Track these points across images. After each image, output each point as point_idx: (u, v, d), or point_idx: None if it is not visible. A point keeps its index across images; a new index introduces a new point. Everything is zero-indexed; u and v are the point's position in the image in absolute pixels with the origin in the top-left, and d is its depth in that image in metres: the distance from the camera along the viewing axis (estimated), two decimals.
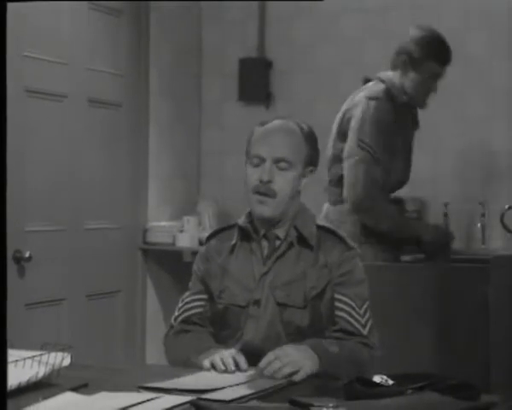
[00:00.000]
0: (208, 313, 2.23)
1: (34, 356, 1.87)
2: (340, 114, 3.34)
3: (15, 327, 3.16)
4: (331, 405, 1.62)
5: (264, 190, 2.15)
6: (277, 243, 2.20)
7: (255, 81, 4.81)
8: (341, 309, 2.13)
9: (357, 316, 2.13)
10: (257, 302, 2.15)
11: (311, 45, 4.74)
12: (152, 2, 4.55)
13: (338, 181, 3.29)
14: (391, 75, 3.29)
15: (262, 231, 2.20)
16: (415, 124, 3.45)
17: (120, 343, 4.35)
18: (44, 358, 1.87)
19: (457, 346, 3.31)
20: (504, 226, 4.11)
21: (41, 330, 3.63)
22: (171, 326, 2.27)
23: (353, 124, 3.22)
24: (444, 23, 4.41)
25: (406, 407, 1.60)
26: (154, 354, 4.42)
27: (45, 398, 1.72)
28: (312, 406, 1.63)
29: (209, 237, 2.33)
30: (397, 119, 3.26)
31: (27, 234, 3.67)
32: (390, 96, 3.24)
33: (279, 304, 2.13)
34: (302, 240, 2.18)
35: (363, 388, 1.69)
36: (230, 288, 2.19)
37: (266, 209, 2.15)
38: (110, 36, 4.30)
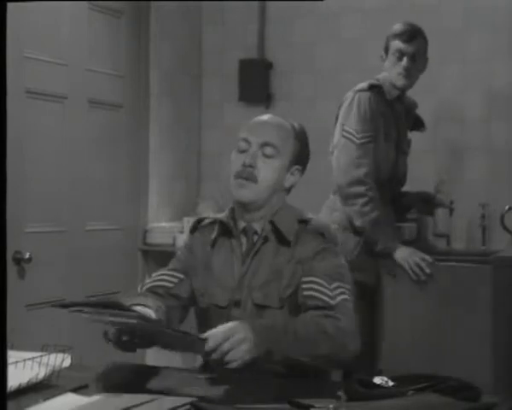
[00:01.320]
0: (178, 292, 2.16)
1: (34, 357, 1.87)
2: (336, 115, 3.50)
3: (16, 328, 3.16)
4: (331, 406, 1.62)
5: (246, 175, 2.11)
6: (255, 238, 2.13)
7: (255, 82, 4.81)
8: (308, 289, 2.00)
9: (324, 290, 1.99)
10: (237, 303, 2.09)
11: (311, 46, 4.73)
12: (152, 2, 4.55)
13: None
14: (384, 73, 3.50)
15: (241, 225, 2.15)
16: (417, 125, 3.65)
17: None
18: (44, 359, 1.87)
19: (458, 346, 3.31)
20: (504, 227, 4.10)
21: (41, 330, 3.63)
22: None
23: (339, 118, 3.43)
24: (444, 23, 4.41)
25: (407, 409, 1.60)
26: (154, 354, 4.42)
27: (46, 399, 1.71)
28: (313, 407, 1.62)
29: (193, 229, 2.29)
30: (387, 110, 3.44)
31: (27, 235, 3.67)
32: (378, 89, 3.42)
33: (257, 305, 2.06)
34: (279, 235, 2.11)
35: (363, 389, 1.68)
36: (212, 288, 2.14)
37: (246, 193, 2.11)
38: (110, 37, 4.30)
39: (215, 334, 1.75)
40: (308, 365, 1.88)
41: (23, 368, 1.82)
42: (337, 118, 3.47)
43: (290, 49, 4.79)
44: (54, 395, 1.74)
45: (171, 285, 2.17)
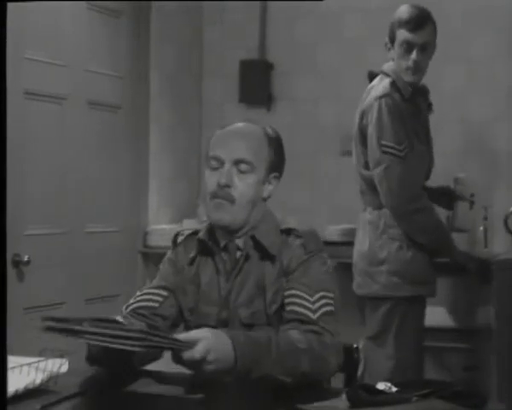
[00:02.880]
0: (164, 312, 2.07)
1: (31, 363, 1.84)
2: (357, 118, 3.28)
3: (14, 332, 3.13)
4: None
5: (223, 195, 1.98)
6: (238, 254, 2.04)
7: (256, 83, 4.79)
8: (289, 303, 1.92)
9: (305, 303, 1.91)
10: (225, 323, 2.00)
11: (312, 46, 4.72)
12: (152, 2, 4.52)
13: (374, 185, 3.21)
14: (392, 66, 3.25)
15: (222, 243, 2.05)
16: (429, 108, 3.40)
17: None
18: (42, 365, 1.84)
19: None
20: (508, 230, 4.08)
21: (40, 334, 3.60)
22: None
23: (371, 130, 3.18)
24: (446, 23, 4.39)
25: None
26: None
27: (43, 407, 1.69)
28: None
29: (174, 243, 2.17)
30: (409, 106, 3.21)
31: (26, 237, 3.64)
32: (396, 87, 3.18)
33: (244, 324, 1.97)
34: (262, 250, 2.01)
35: (366, 395, 1.66)
36: (200, 306, 2.05)
37: (224, 215, 1.99)
38: (110, 37, 4.27)
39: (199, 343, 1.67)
40: (286, 383, 1.78)
41: (20, 373, 1.80)
42: (361, 129, 3.24)
43: (291, 49, 4.77)
44: (51, 401, 1.72)
45: (156, 305, 2.07)
